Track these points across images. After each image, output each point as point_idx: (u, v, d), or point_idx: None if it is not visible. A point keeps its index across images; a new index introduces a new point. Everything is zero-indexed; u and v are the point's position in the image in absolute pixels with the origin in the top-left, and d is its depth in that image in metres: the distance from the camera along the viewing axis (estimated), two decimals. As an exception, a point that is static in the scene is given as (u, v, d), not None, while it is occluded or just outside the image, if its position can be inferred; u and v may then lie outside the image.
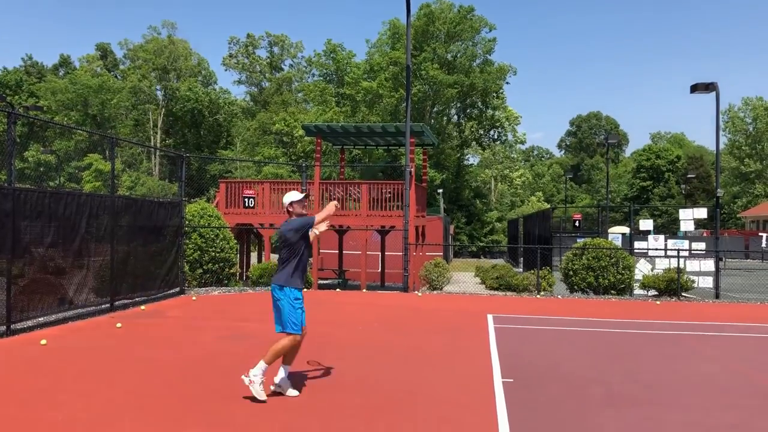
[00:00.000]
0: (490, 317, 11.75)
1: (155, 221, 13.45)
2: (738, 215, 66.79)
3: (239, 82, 77.58)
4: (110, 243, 11.55)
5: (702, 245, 19.64)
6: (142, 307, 12.22)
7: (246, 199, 19.35)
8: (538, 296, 16.06)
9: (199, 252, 15.61)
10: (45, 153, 51.69)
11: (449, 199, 51.11)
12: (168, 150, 34.44)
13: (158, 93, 67.77)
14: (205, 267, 15.73)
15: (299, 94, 70.91)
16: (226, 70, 79.66)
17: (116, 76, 70.12)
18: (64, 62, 74.45)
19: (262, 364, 5.94)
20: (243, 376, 5.94)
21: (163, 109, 66.16)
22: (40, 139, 58.77)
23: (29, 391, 6.10)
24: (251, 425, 5.20)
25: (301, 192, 6.48)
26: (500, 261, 33.91)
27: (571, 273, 16.58)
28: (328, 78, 62.15)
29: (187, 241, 15.32)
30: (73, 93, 61.49)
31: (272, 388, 6.08)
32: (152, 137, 64.50)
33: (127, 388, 6.28)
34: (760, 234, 42.83)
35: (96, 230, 11.25)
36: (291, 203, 6.32)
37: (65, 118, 58.95)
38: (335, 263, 23.27)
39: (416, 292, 16.61)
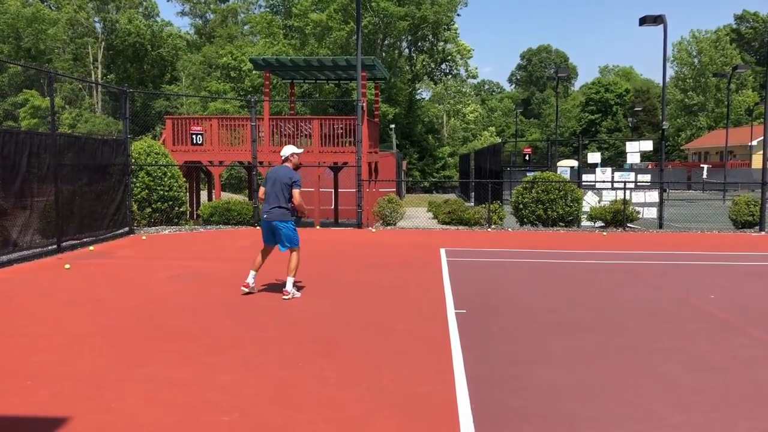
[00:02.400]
0: (442, 251, 11.93)
1: (100, 160, 13.04)
2: (681, 147, 68.65)
3: (182, 13, 74.79)
4: (54, 183, 11.17)
5: (647, 177, 20.21)
6: (91, 247, 11.97)
7: (194, 136, 18.89)
8: (489, 229, 16.34)
9: (147, 191, 15.27)
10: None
11: (402, 135, 50.93)
12: (110, 85, 33.16)
13: (97, 25, 64.50)
14: (153, 206, 15.42)
15: (246, 27, 68.60)
16: (168, 0, 76.35)
17: (50, 7, 66.28)
18: (-8, -9, 69.94)
19: (290, 279, 7.57)
20: (284, 297, 7.48)
21: (103, 43, 63.13)
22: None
23: (-24, 336, 5.95)
24: (210, 362, 5.20)
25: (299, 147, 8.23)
26: (452, 196, 34.27)
27: (521, 206, 16.88)
28: (275, 9, 60.14)
29: (135, 180, 14.95)
30: (3, 24, 58.01)
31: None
32: (93, 72, 61.77)
33: (78, 329, 6.19)
34: (701, 165, 44.24)
35: (38, 170, 10.84)
36: (293, 154, 7.66)
37: (-4, 51, 55.90)
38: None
39: (370, 228, 16.70)
